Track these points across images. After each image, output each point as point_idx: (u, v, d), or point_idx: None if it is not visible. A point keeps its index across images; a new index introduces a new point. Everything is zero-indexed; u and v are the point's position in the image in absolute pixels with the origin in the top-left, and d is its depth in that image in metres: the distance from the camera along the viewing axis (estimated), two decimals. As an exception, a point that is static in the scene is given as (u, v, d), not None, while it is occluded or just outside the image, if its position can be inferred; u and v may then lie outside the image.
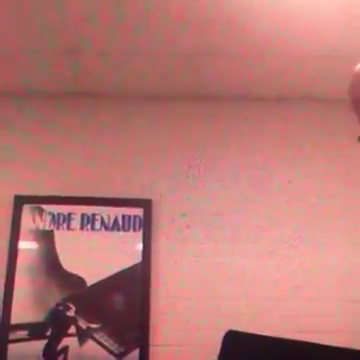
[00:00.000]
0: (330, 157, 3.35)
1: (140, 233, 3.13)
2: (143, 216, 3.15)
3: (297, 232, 3.17)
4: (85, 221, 3.13)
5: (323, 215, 3.22)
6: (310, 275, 3.09)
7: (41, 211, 3.14)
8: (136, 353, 2.92)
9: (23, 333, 2.93)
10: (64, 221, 3.13)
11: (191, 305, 3.02)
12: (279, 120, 3.43)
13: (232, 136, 3.39)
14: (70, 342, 2.93)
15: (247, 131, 3.41)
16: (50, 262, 3.06)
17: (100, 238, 3.12)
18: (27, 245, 3.09)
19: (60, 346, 2.93)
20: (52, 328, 2.96)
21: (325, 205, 3.24)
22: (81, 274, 3.03)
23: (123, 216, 3.15)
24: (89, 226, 3.13)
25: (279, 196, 3.26)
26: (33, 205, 3.14)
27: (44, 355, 2.90)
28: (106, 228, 3.13)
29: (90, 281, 3.03)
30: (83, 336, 2.94)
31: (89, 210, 3.14)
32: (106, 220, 3.14)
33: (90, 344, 2.93)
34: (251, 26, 2.77)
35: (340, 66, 3.08)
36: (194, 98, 3.39)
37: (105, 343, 2.94)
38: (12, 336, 2.92)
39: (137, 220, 3.15)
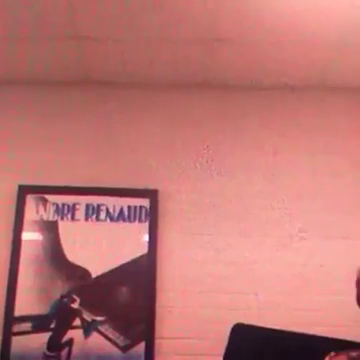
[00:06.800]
0: (342, 148, 3.29)
1: (146, 224, 3.08)
2: (149, 207, 3.11)
3: (307, 225, 3.13)
4: (90, 212, 3.09)
5: (334, 208, 3.17)
6: (320, 269, 3.05)
7: (45, 201, 3.10)
8: (142, 346, 2.89)
9: (27, 325, 2.91)
10: (68, 212, 3.08)
11: (198, 298, 2.99)
12: (290, 110, 3.38)
13: (242, 126, 3.34)
14: (75, 335, 2.91)
15: (257, 121, 3.35)
16: (54, 253, 3.02)
17: (105, 229, 3.07)
18: (31, 236, 3.05)
19: (65, 339, 2.90)
20: (56, 320, 2.93)
21: (336, 198, 3.19)
22: (86, 266, 3.00)
23: (129, 207, 3.11)
24: (94, 217, 3.09)
25: (289, 188, 3.20)
26: (37, 195, 3.10)
27: (48, 348, 2.88)
28: (111, 219, 3.08)
29: (95, 273, 3.00)
30: (88, 328, 2.91)
31: (94, 200, 3.10)
32: (111, 211, 3.09)
33: (95, 337, 2.90)
34: (262, 15, 2.71)
35: (351, 55, 3.03)
36: (203, 87, 3.34)
37: (110, 336, 2.91)
38: (16, 328, 2.90)
39: (143, 211, 3.10)
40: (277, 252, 3.07)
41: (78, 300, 2.95)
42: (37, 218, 3.07)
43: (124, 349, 2.89)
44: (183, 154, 3.25)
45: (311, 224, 3.13)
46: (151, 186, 3.13)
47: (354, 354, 1.08)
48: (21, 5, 2.66)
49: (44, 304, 2.93)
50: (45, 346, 2.87)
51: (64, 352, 2.88)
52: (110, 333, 2.91)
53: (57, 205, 3.09)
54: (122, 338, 2.91)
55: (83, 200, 3.10)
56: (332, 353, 1.06)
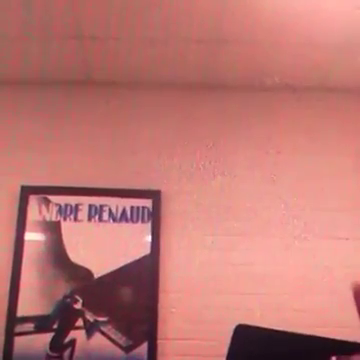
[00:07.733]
0: (344, 148, 3.28)
1: (149, 225, 3.08)
2: (152, 207, 3.10)
3: (310, 226, 3.11)
4: (93, 212, 3.09)
5: (336, 208, 3.16)
6: (323, 269, 3.04)
7: (48, 202, 3.09)
8: (144, 347, 2.88)
9: (29, 326, 2.90)
10: (71, 212, 3.08)
11: (201, 299, 2.98)
12: (292, 110, 3.37)
13: (244, 126, 3.33)
14: (77, 335, 2.90)
15: (259, 121, 3.34)
16: (57, 254, 3.02)
17: (108, 230, 3.07)
18: (33, 236, 3.05)
19: (67, 339, 2.90)
20: (59, 321, 2.93)
21: (338, 198, 3.18)
22: (88, 266, 2.99)
23: (131, 207, 3.10)
24: (97, 217, 3.08)
25: (292, 188, 3.20)
26: (39, 196, 3.09)
27: (51, 348, 2.88)
28: (114, 219, 3.08)
29: (98, 273, 2.99)
30: (90, 329, 2.91)
31: (97, 201, 3.09)
32: (114, 211, 3.09)
33: (97, 337, 2.90)
34: (264, 14, 2.71)
35: (353, 55, 3.03)
36: (206, 87, 3.33)
37: (113, 336, 2.90)
38: (18, 329, 2.89)
39: (146, 211, 3.10)
40: (280, 253, 3.06)
41: (81, 301, 2.95)
42: (40, 218, 3.06)
43: (127, 350, 2.88)
44: (185, 155, 3.24)
45: (314, 225, 3.11)
46: (154, 187, 3.13)
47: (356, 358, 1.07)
48: (23, 5, 2.66)
49: (46, 304, 2.93)
50: (47, 347, 2.87)
51: (66, 353, 2.87)
52: (112, 334, 2.90)
53: (60, 206, 3.09)
54: (124, 339, 2.90)
55: (86, 201, 3.09)
56: (333, 358, 1.05)
